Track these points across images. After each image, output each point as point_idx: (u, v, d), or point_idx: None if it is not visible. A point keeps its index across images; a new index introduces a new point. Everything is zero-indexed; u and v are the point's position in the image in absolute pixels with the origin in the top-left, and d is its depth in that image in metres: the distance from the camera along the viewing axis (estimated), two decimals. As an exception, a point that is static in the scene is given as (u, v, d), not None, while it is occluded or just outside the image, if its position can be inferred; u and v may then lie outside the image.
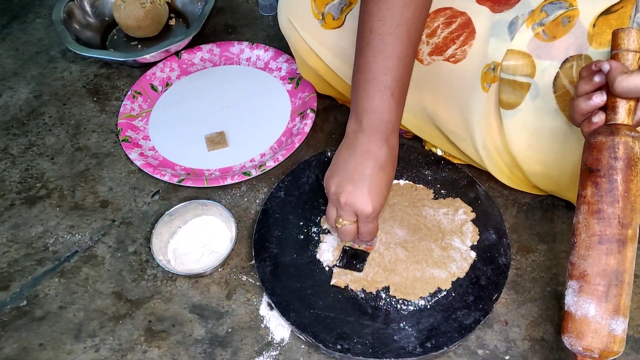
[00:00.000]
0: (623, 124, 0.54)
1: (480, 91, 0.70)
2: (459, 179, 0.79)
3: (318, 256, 0.73)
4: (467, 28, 0.69)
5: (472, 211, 0.76)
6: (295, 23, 0.80)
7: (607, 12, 0.63)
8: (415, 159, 0.81)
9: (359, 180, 0.64)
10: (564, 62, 0.64)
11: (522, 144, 0.70)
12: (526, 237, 0.77)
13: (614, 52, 0.56)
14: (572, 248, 0.57)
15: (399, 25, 0.61)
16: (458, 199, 0.77)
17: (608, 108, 0.55)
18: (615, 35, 0.56)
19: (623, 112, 0.54)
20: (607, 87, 0.56)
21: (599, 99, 0.55)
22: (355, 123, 0.66)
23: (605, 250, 0.54)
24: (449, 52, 0.71)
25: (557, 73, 0.65)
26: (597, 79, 0.55)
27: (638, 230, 0.55)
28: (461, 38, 0.70)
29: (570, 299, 0.56)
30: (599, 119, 0.56)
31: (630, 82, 0.52)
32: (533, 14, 0.66)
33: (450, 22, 0.70)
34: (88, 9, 1.07)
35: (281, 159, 0.85)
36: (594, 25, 0.63)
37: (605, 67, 0.54)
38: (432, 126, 0.79)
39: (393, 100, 0.63)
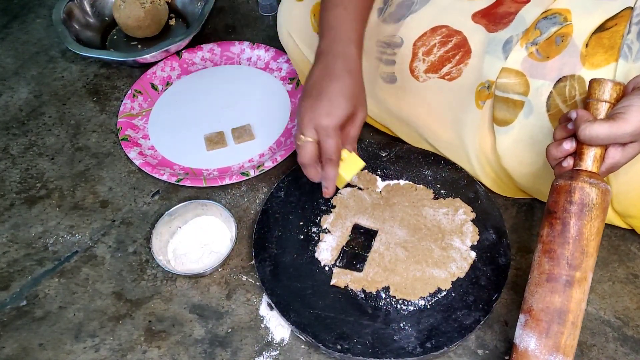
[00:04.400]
0: (585, 170, 0.56)
1: (474, 108, 0.71)
2: (459, 179, 0.79)
3: (317, 256, 0.73)
4: (462, 47, 0.70)
5: (472, 211, 0.76)
6: (295, 37, 0.81)
7: (601, 28, 0.64)
8: (415, 159, 0.81)
9: (315, 93, 0.64)
10: (558, 81, 0.65)
11: (515, 160, 0.71)
12: (526, 237, 0.77)
13: (587, 101, 0.58)
14: (527, 284, 0.60)
15: None
16: (458, 198, 0.77)
17: (576, 154, 0.57)
18: (590, 84, 0.58)
19: (589, 159, 0.56)
20: None
21: (569, 145, 0.57)
22: (317, 49, 0.68)
23: (551, 288, 0.57)
24: (445, 70, 0.72)
25: (551, 92, 0.65)
26: (570, 126, 0.57)
27: (589, 273, 0.56)
28: (457, 57, 0.71)
29: (517, 332, 0.59)
30: (567, 164, 0.58)
31: (592, 130, 0.54)
32: (527, 32, 0.67)
33: (446, 42, 0.71)
34: (88, 9, 1.07)
35: (280, 159, 0.85)
36: (586, 45, 0.64)
37: (573, 115, 0.56)
38: (426, 141, 0.81)
39: (346, 13, 0.66)
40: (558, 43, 0.65)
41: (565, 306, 0.56)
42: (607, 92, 0.56)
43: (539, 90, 0.66)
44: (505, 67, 0.67)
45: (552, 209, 0.58)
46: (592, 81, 0.57)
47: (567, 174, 0.57)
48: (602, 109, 0.57)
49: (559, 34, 0.65)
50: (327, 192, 0.69)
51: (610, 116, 0.55)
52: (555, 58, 0.65)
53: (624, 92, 0.56)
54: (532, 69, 0.66)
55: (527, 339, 0.57)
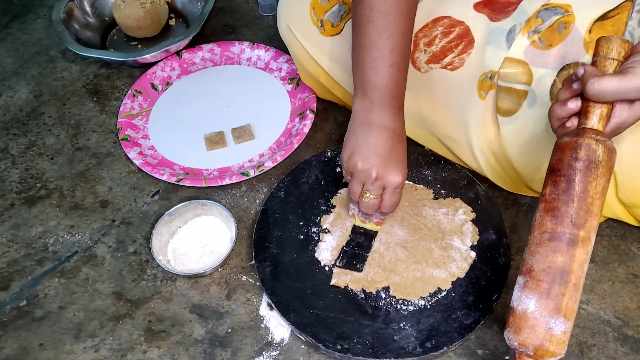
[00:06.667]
0: (591, 129, 0.55)
1: (477, 98, 0.71)
2: (459, 179, 0.79)
3: (317, 256, 0.73)
4: (465, 37, 0.70)
5: (472, 211, 0.76)
6: (294, 30, 0.81)
7: (604, 17, 0.64)
8: (415, 159, 0.81)
9: (384, 153, 0.66)
10: (561, 69, 0.65)
11: (519, 150, 0.71)
12: (526, 237, 0.77)
13: (594, 59, 0.56)
14: (526, 246, 0.58)
15: (400, 1, 0.62)
16: (458, 199, 0.77)
17: (581, 113, 0.56)
18: (597, 42, 0.56)
19: (594, 117, 0.55)
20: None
21: (574, 104, 0.55)
22: (364, 100, 0.67)
23: (553, 247, 0.54)
24: (447, 60, 0.71)
25: (554, 81, 0.65)
26: (575, 86, 0.56)
27: (593, 234, 0.54)
28: (459, 47, 0.70)
29: (515, 294, 0.57)
30: (572, 123, 0.56)
31: (601, 85, 0.52)
32: (529, 21, 0.67)
33: (448, 32, 0.71)
34: (88, 9, 1.07)
35: (279, 159, 0.85)
36: (589, 32, 0.63)
37: (580, 71, 0.55)
38: (429, 133, 0.80)
39: (400, 75, 0.66)
40: (560, 30, 0.65)
41: (568, 266, 0.53)
42: (615, 50, 0.55)
43: (542, 79, 0.66)
44: (508, 56, 0.67)
45: (555, 166, 0.55)
46: (599, 39, 0.56)
47: (572, 132, 0.55)
48: (610, 67, 0.55)
49: (562, 21, 0.65)
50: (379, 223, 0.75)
51: (619, 71, 0.53)
52: (558, 46, 0.65)
53: (633, 51, 0.55)
54: (534, 58, 0.66)
55: (526, 301, 0.54)
